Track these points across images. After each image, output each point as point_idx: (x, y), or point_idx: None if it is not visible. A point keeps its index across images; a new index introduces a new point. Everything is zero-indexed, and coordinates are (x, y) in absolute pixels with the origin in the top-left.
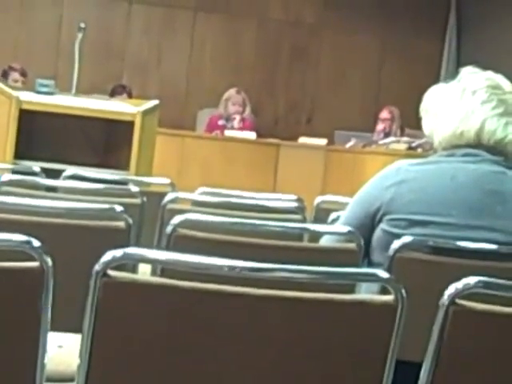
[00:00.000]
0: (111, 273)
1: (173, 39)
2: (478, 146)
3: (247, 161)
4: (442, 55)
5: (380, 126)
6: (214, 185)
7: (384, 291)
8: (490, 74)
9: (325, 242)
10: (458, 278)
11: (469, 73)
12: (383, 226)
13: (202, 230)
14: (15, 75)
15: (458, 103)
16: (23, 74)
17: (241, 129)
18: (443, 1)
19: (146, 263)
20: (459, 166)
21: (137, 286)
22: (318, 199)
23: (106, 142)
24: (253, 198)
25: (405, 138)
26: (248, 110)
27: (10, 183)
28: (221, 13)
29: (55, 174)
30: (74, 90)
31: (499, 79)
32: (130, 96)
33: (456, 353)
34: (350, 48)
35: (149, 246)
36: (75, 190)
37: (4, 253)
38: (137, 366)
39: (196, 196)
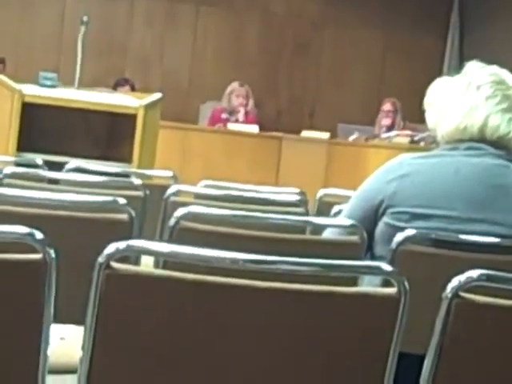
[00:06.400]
0: (114, 265)
1: (175, 33)
2: (481, 140)
3: (250, 154)
4: (444, 51)
5: (386, 121)
6: (217, 178)
7: (387, 284)
8: (495, 69)
9: (327, 235)
10: (461, 271)
11: (474, 67)
12: (386, 219)
13: (204, 222)
14: None
15: (462, 98)
16: (1, 61)
17: (244, 122)
18: None
19: (149, 255)
20: (462, 160)
21: (140, 278)
22: (321, 192)
23: (108, 135)
24: (255, 191)
25: (407, 132)
26: (251, 103)
27: (13, 176)
28: (223, 7)
29: (58, 167)
30: (76, 84)
31: (504, 74)
32: (132, 89)
33: (459, 345)
34: (352, 43)
35: (151, 238)
36: (78, 182)
37: (7, 245)
38: (139, 357)
39: (198, 189)
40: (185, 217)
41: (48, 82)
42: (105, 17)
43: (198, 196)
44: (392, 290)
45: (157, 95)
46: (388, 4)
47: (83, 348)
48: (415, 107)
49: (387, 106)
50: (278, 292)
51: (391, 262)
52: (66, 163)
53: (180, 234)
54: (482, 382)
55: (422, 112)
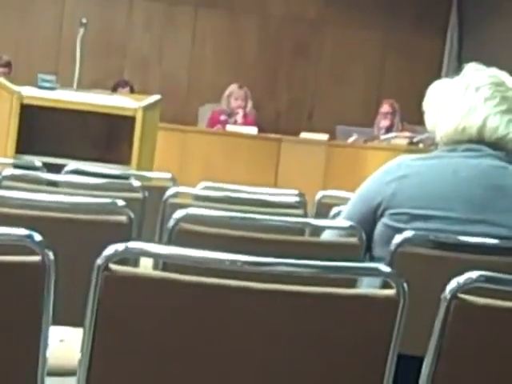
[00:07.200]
0: (113, 267)
1: (174, 35)
2: (479, 141)
3: (249, 156)
4: (443, 52)
5: (385, 123)
6: (216, 179)
7: (386, 286)
8: (494, 70)
9: (326, 236)
10: (460, 273)
11: (473, 69)
12: (385, 220)
13: (203, 224)
14: None
15: (461, 99)
16: (7, 65)
17: (242, 124)
18: None
19: (148, 257)
20: (461, 161)
21: (139, 280)
22: (320, 194)
23: (107, 137)
24: (254, 193)
25: (406, 133)
26: (250, 105)
27: (12, 178)
28: (222, 8)
29: (57, 169)
30: (75, 86)
31: (504, 76)
32: (131, 91)
33: (458, 347)
34: (351, 44)
35: (150, 240)
36: (77, 184)
37: (6, 247)
38: (138, 359)
39: (197, 190)
40: (184, 219)
41: (47, 84)
42: (104, 19)
43: (197, 198)
44: (391, 292)
45: (156, 97)
46: (387, 5)
47: (82, 350)
48: (414, 108)
49: (385, 108)
50: (277, 294)
51: (390, 264)
52: (64, 165)
53: (179, 236)
54: (481, 383)
55: (421, 113)
